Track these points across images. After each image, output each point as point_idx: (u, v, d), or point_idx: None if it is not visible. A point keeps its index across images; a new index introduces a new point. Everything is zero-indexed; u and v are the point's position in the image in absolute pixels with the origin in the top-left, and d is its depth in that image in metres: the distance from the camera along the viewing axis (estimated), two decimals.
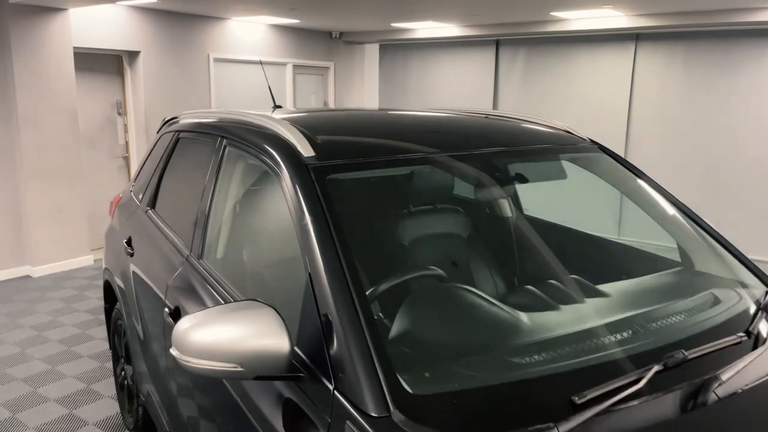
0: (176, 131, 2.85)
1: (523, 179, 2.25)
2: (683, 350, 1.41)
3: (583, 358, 1.40)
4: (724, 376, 1.38)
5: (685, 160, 6.80)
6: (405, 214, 2.19)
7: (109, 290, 3.33)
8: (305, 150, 1.75)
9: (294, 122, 1.97)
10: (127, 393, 3.15)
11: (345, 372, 1.29)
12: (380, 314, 1.72)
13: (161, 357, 2.29)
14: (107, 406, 3.41)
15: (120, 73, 6.61)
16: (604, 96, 7.19)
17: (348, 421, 1.22)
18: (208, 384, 1.82)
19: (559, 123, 2.39)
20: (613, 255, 2.33)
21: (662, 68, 6.82)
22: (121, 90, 6.64)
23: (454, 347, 1.51)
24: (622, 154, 7.14)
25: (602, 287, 1.84)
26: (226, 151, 2.18)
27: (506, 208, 2.39)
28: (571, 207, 2.60)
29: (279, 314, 1.38)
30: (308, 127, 1.94)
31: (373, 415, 1.20)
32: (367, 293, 1.45)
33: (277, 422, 1.44)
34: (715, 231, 2.07)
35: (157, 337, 2.34)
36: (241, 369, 1.34)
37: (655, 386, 1.33)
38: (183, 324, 1.37)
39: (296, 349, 1.47)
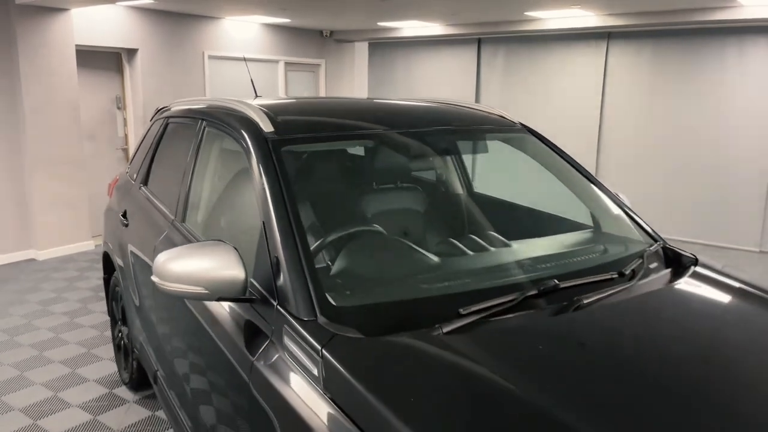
0: (166, 117, 3.24)
1: (456, 152, 2.63)
2: (556, 280, 1.79)
3: (476, 285, 1.79)
4: (585, 301, 1.75)
5: (654, 151, 7.19)
6: (348, 178, 2.57)
7: (107, 262, 3.72)
8: (266, 126, 2.12)
9: (263, 106, 2.35)
10: (123, 352, 3.53)
11: (287, 295, 1.67)
12: (320, 253, 2.10)
13: (151, 311, 2.68)
14: (106, 366, 3.80)
15: (119, 70, 7.00)
16: (578, 90, 7.58)
17: (285, 325, 1.61)
18: (187, 321, 2.20)
19: (496, 109, 2.77)
20: (538, 220, 2.71)
21: (632, 65, 7.21)
22: (120, 85, 7.03)
23: (375, 277, 1.90)
24: (595, 145, 7.53)
25: (514, 242, 2.22)
26: (205, 131, 2.56)
27: (438, 174, 2.77)
28: (538, 192, 2.90)
29: (238, 252, 1.75)
30: (273, 110, 2.32)
31: (304, 319, 1.58)
32: (315, 244, 1.81)
33: (240, 341, 1.82)
34: (620, 200, 2.46)
35: (148, 294, 2.72)
36: (206, 291, 1.72)
37: (530, 305, 1.71)
38: (162, 257, 1.75)
39: (252, 280, 1.85)
